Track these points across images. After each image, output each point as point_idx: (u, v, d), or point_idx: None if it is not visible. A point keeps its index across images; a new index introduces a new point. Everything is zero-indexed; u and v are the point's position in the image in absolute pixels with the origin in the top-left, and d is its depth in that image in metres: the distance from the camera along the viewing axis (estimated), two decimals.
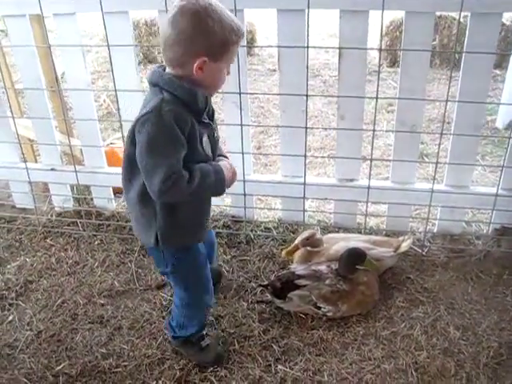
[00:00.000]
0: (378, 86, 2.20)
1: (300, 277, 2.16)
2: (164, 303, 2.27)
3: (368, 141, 3.23)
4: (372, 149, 2.37)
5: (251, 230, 2.64)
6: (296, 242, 2.32)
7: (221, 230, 2.65)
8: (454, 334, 2.07)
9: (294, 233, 2.62)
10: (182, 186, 1.54)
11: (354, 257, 2.17)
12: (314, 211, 2.81)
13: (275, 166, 3.45)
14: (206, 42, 1.49)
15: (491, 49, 2.15)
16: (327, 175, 3.30)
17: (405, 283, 2.34)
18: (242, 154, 2.43)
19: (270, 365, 1.96)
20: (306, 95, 2.28)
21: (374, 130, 2.29)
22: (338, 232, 2.60)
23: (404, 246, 2.37)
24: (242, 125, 2.38)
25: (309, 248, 2.32)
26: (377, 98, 2.19)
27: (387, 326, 2.11)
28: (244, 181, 2.50)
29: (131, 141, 1.59)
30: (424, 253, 2.51)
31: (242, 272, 2.42)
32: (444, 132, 2.30)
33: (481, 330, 2.09)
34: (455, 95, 2.29)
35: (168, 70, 1.60)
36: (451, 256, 2.49)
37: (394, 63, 5.38)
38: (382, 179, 3.05)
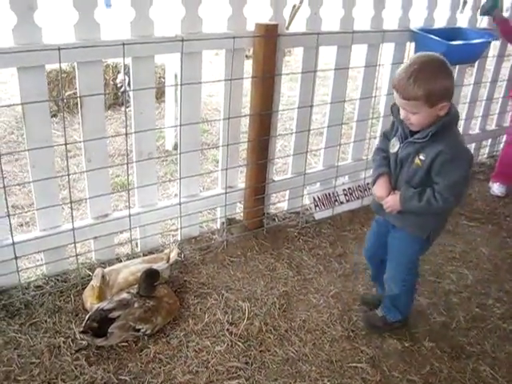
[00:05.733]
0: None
1: (111, 310, 2.27)
2: None
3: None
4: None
5: (23, 294, 2.52)
6: (95, 284, 2.38)
7: None
8: (242, 304, 2.58)
9: (65, 282, 2.63)
10: None
11: (151, 276, 2.41)
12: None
13: None
14: None
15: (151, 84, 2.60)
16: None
17: (187, 286, 2.69)
18: None
19: None
20: None
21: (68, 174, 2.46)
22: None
23: (173, 257, 2.72)
24: None
25: (95, 285, 2.40)
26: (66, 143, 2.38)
27: (196, 322, 2.46)
28: None
29: None
30: (182, 258, 2.90)
31: (39, 335, 2.32)
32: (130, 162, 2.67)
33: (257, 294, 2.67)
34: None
35: None
36: (203, 253, 2.96)
37: None
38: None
